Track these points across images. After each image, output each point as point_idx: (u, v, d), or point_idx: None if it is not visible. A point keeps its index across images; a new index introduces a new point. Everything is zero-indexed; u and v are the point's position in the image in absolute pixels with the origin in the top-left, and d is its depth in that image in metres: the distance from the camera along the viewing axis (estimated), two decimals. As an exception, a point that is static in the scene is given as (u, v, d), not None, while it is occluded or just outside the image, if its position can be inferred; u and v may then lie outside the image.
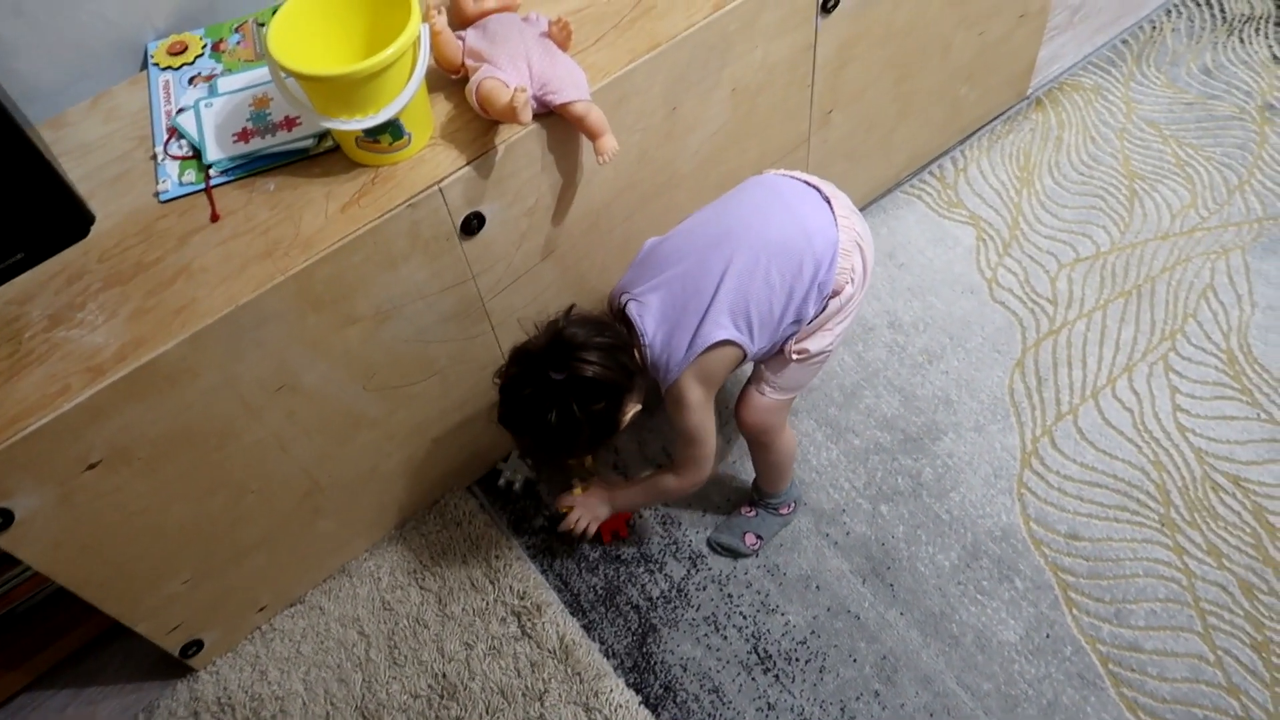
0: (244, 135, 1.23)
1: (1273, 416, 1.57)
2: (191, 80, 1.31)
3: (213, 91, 1.28)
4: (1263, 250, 1.76)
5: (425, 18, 1.18)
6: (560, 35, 1.21)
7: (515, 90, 1.11)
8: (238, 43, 1.35)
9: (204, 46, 1.35)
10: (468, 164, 1.19)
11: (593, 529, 1.49)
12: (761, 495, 1.53)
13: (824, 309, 1.30)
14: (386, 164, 1.20)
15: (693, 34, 1.29)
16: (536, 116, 1.22)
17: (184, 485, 1.22)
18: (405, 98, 1.11)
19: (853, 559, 1.51)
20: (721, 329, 1.24)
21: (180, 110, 1.27)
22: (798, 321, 1.29)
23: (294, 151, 1.21)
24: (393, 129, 1.15)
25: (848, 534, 1.53)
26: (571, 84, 1.19)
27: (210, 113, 1.25)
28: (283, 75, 1.11)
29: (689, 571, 1.52)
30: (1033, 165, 1.93)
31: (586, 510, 1.48)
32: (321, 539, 1.49)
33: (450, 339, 1.37)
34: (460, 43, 1.22)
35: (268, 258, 1.13)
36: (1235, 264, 1.75)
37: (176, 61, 1.33)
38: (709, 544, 1.55)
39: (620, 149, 1.25)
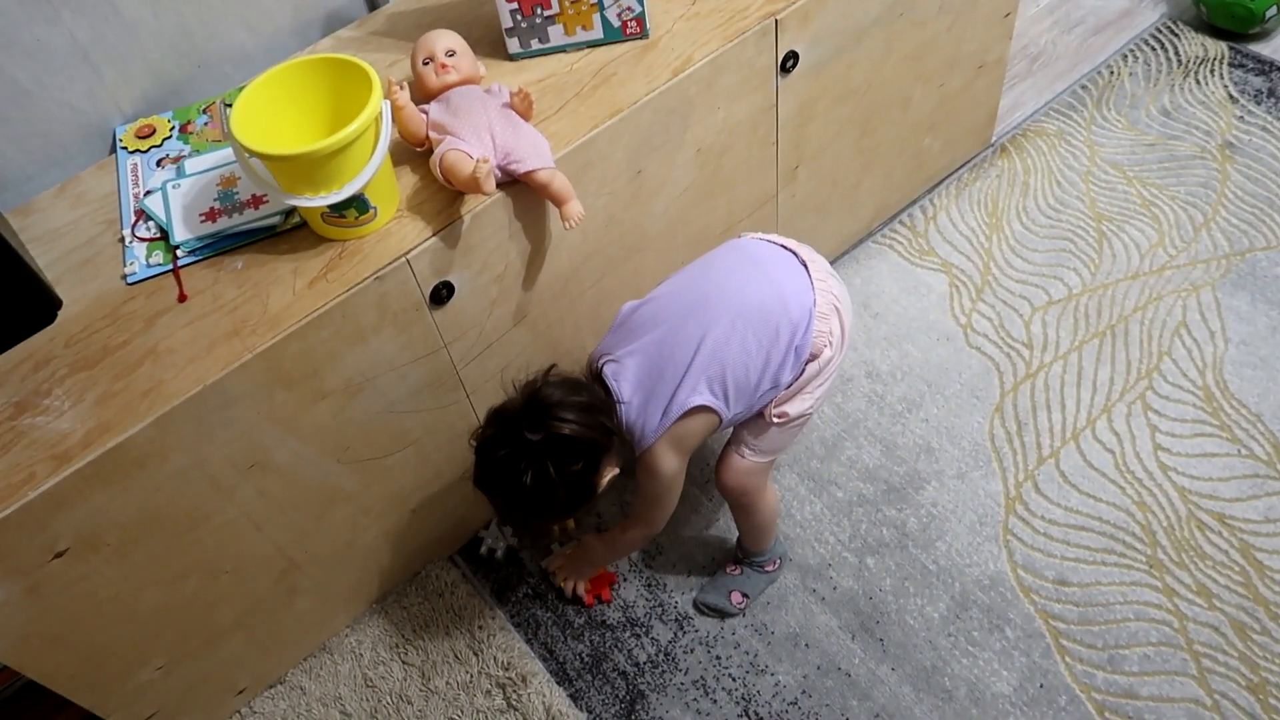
0: (211, 215, 1.23)
1: (1253, 452, 1.57)
2: (159, 162, 1.32)
3: (180, 173, 1.29)
4: (1232, 285, 1.78)
5: (387, 93, 1.19)
6: (522, 105, 1.22)
7: (478, 161, 1.13)
8: (205, 124, 1.37)
9: (172, 129, 1.36)
10: (434, 234, 1.20)
11: (580, 589, 1.49)
12: (746, 553, 1.52)
13: (802, 373, 1.30)
14: (353, 238, 1.20)
15: (653, 99, 1.31)
16: (501, 185, 1.23)
17: (155, 570, 1.20)
18: (368, 173, 1.12)
19: (841, 614, 1.49)
20: (697, 395, 1.24)
21: (148, 192, 1.28)
22: (775, 387, 1.29)
23: (261, 229, 1.22)
24: (358, 203, 1.16)
25: (834, 589, 1.51)
26: (535, 153, 1.20)
27: (178, 193, 1.26)
28: (246, 155, 1.12)
29: (676, 634, 1.50)
30: (1001, 211, 1.95)
31: (571, 569, 1.49)
32: (300, 617, 1.46)
33: (424, 409, 1.36)
34: (424, 116, 1.23)
35: (235, 336, 1.13)
36: (1206, 300, 1.76)
37: (144, 144, 1.34)
38: (695, 605, 1.53)
39: (586, 214, 1.26)
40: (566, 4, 1.33)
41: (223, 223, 1.22)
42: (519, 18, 1.34)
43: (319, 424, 1.25)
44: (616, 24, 1.36)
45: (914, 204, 1.98)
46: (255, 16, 1.42)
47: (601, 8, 1.34)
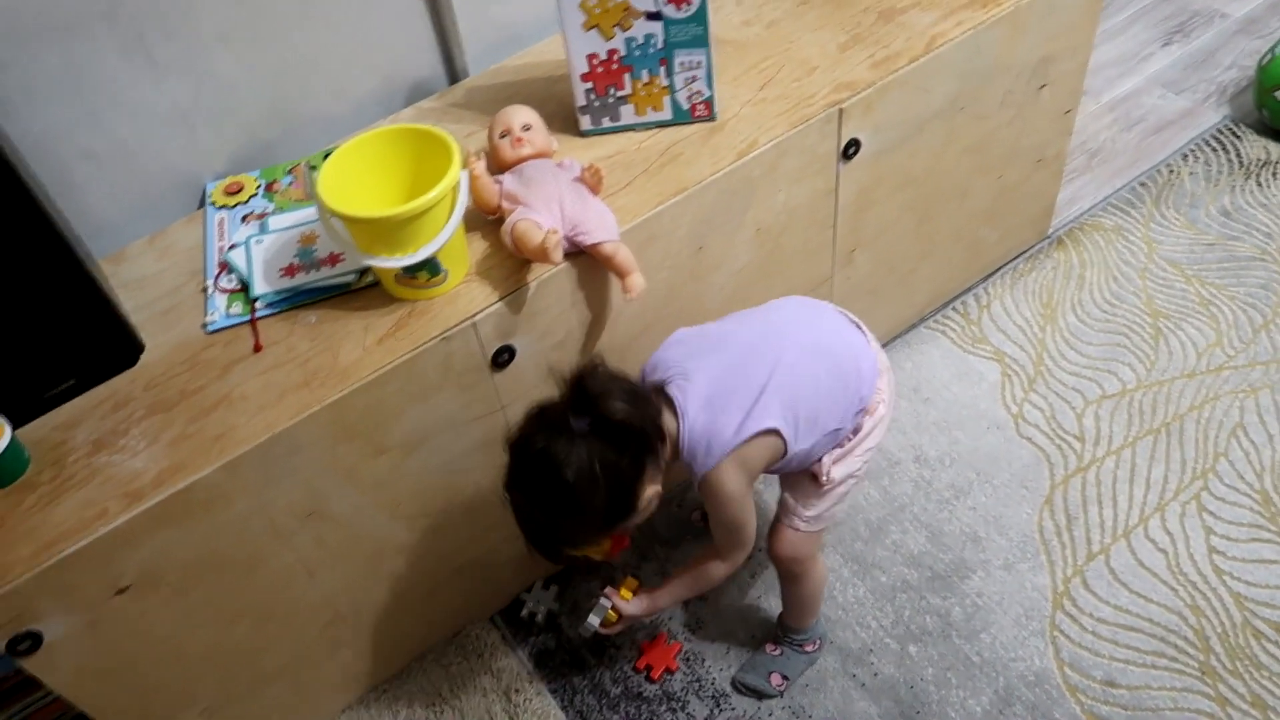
0: (290, 270, 1.29)
1: (1313, 560, 1.54)
2: (245, 218, 1.39)
3: (263, 229, 1.36)
4: (1292, 390, 1.76)
5: (465, 164, 1.25)
6: (592, 180, 1.27)
7: (548, 232, 1.17)
8: (289, 184, 1.44)
9: (258, 187, 1.43)
10: (500, 300, 1.24)
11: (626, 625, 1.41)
12: (786, 631, 1.51)
13: (859, 427, 1.30)
14: (423, 299, 1.25)
15: (717, 179, 1.36)
16: (567, 256, 1.27)
17: (209, 611, 1.23)
18: (442, 239, 1.17)
19: (881, 702, 1.46)
20: (771, 417, 1.20)
21: (232, 246, 1.34)
22: (837, 430, 1.28)
23: (336, 286, 1.27)
24: (430, 266, 1.21)
25: (875, 675, 1.49)
26: (601, 226, 1.25)
27: (260, 249, 1.32)
28: (329, 215, 1.18)
29: (712, 711, 1.49)
30: (1055, 303, 1.95)
31: (630, 615, 1.38)
32: (342, 668, 1.48)
33: (476, 468, 1.39)
34: (498, 186, 1.29)
35: (305, 387, 1.17)
36: (1265, 403, 1.74)
37: (232, 201, 1.41)
38: (733, 684, 1.52)
39: (647, 286, 1.29)
40: (639, 86, 1.39)
41: (300, 278, 1.28)
42: (592, 97, 1.40)
43: (377, 477, 1.28)
44: (686, 106, 1.42)
45: (968, 291, 1.99)
46: (344, 84, 1.50)
47: (673, 90, 1.40)
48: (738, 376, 1.22)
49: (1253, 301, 1.90)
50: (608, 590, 1.38)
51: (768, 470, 1.28)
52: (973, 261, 1.95)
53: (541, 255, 1.19)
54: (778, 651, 1.52)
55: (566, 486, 1.10)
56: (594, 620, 1.36)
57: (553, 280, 1.27)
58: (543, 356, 1.34)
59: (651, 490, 1.19)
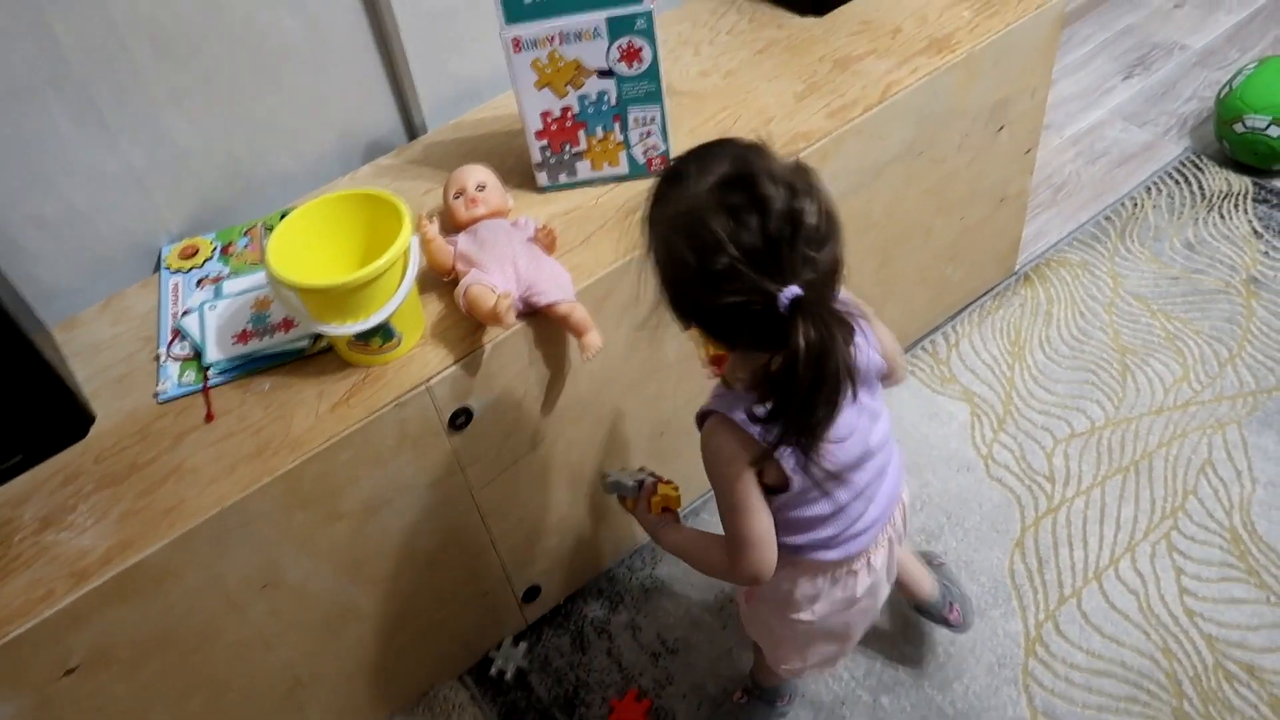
0: (244, 336, 1.28)
1: (1283, 599, 1.53)
2: (200, 282, 1.38)
3: (218, 294, 1.35)
4: (1259, 424, 1.76)
5: (418, 226, 1.24)
6: (545, 240, 1.27)
7: (499, 296, 1.16)
8: (246, 246, 1.43)
9: (214, 250, 1.42)
10: (455, 363, 1.23)
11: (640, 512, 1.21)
12: (757, 685, 1.49)
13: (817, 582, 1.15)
14: (378, 364, 1.24)
15: (675, 234, 1.35)
16: (523, 315, 1.26)
17: (164, 687, 1.20)
18: (393, 305, 1.16)
19: (854, 755, 1.45)
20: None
21: (186, 312, 1.33)
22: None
23: (290, 352, 1.26)
24: (383, 332, 1.20)
25: (848, 727, 1.48)
26: (555, 286, 1.24)
27: (214, 314, 1.31)
28: (278, 284, 1.17)
29: (684, 768, 1.47)
30: (1023, 340, 1.96)
31: (641, 515, 1.21)
32: (305, 735, 1.45)
33: (439, 529, 1.37)
34: (452, 248, 1.28)
35: (257, 458, 1.16)
36: (1232, 438, 1.74)
37: (187, 264, 1.40)
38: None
39: (607, 341, 1.29)
40: (594, 142, 1.39)
41: (254, 345, 1.27)
42: (548, 153, 1.40)
43: (334, 543, 1.26)
44: (642, 161, 1.42)
45: (936, 331, 1.99)
46: (300, 144, 1.50)
47: (628, 146, 1.40)
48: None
49: (1218, 335, 1.91)
50: (651, 480, 1.21)
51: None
52: (939, 300, 1.95)
53: (493, 319, 1.18)
54: (744, 699, 1.49)
55: (710, 241, 0.85)
56: (623, 481, 1.21)
57: (509, 341, 1.26)
58: (501, 416, 1.33)
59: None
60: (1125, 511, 1.67)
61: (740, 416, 0.96)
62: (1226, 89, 2.15)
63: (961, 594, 1.53)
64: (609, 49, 1.30)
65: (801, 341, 0.83)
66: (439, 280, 1.32)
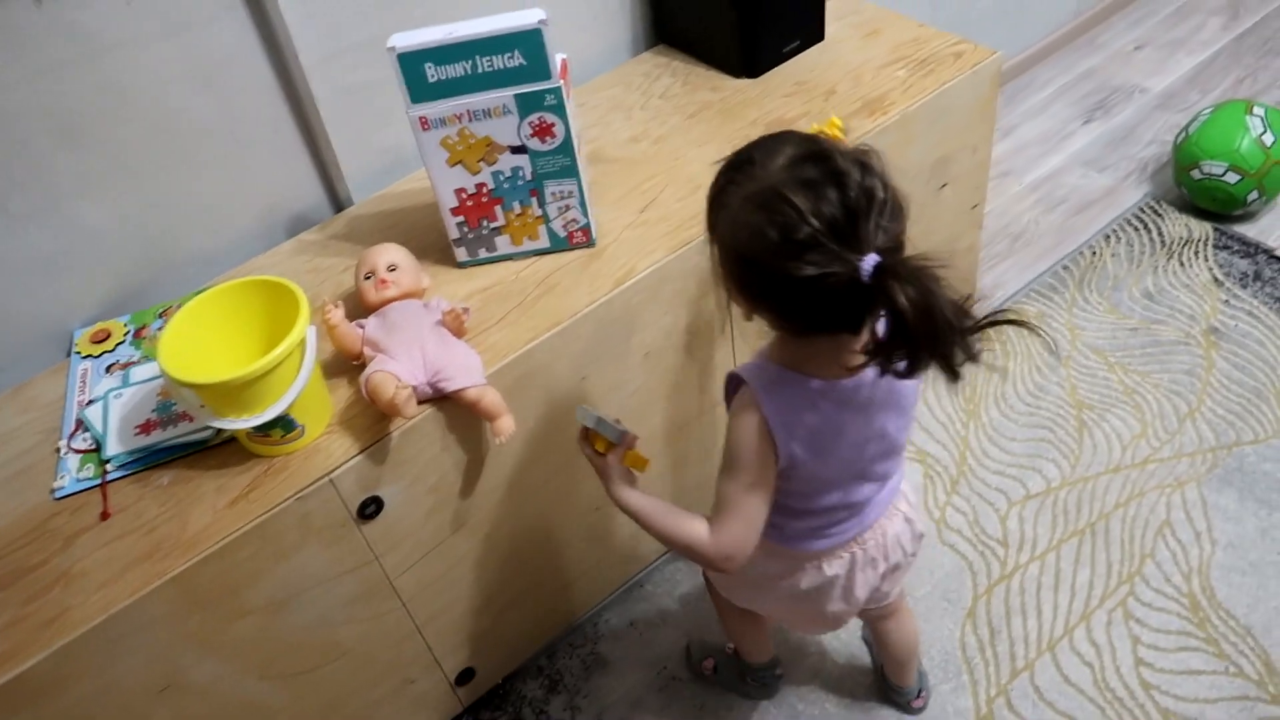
0: (147, 427, 1.24)
1: (1242, 670, 1.47)
2: (109, 368, 1.34)
3: (125, 381, 1.31)
4: (1218, 482, 1.71)
5: (322, 312, 1.21)
6: (453, 324, 1.23)
7: (396, 389, 1.13)
8: (159, 329, 1.39)
9: (127, 333, 1.39)
10: (361, 452, 1.19)
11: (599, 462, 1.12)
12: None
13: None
14: (281, 454, 1.20)
15: (595, 310, 1.32)
16: (434, 401, 1.23)
17: (57, 799, 1.15)
18: (290, 397, 1.13)
19: (796, 846, 1.39)
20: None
21: (91, 401, 1.29)
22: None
23: (192, 443, 1.22)
24: (283, 423, 1.16)
25: (790, 816, 1.42)
26: (464, 370, 1.20)
27: (119, 403, 1.28)
28: (169, 380, 1.13)
29: None
30: (978, 397, 1.91)
31: (601, 463, 1.12)
32: (224, 835, 1.40)
33: (357, 619, 1.33)
34: (360, 331, 1.25)
35: (149, 559, 1.11)
36: (1191, 498, 1.69)
37: (97, 349, 1.37)
38: (687, 646, 1.59)
39: (530, 421, 1.25)
40: (512, 217, 1.36)
41: (156, 436, 1.23)
42: (465, 229, 1.37)
43: (240, 641, 1.22)
44: (563, 234, 1.39)
45: (890, 388, 1.95)
46: (219, 223, 1.47)
47: (547, 220, 1.37)
48: None
49: (1177, 389, 1.86)
50: (629, 436, 1.11)
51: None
52: (891, 358, 1.91)
53: (392, 410, 1.14)
54: (727, 651, 1.56)
55: (790, 214, 0.85)
56: (606, 421, 1.10)
57: (419, 427, 1.23)
58: (416, 503, 1.29)
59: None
60: (1081, 577, 1.62)
61: (767, 404, 0.99)
62: (1183, 134, 2.11)
63: (928, 680, 1.51)
64: (520, 125, 1.27)
65: (904, 300, 0.84)
66: (349, 365, 1.29)
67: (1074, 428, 1.83)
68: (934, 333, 0.85)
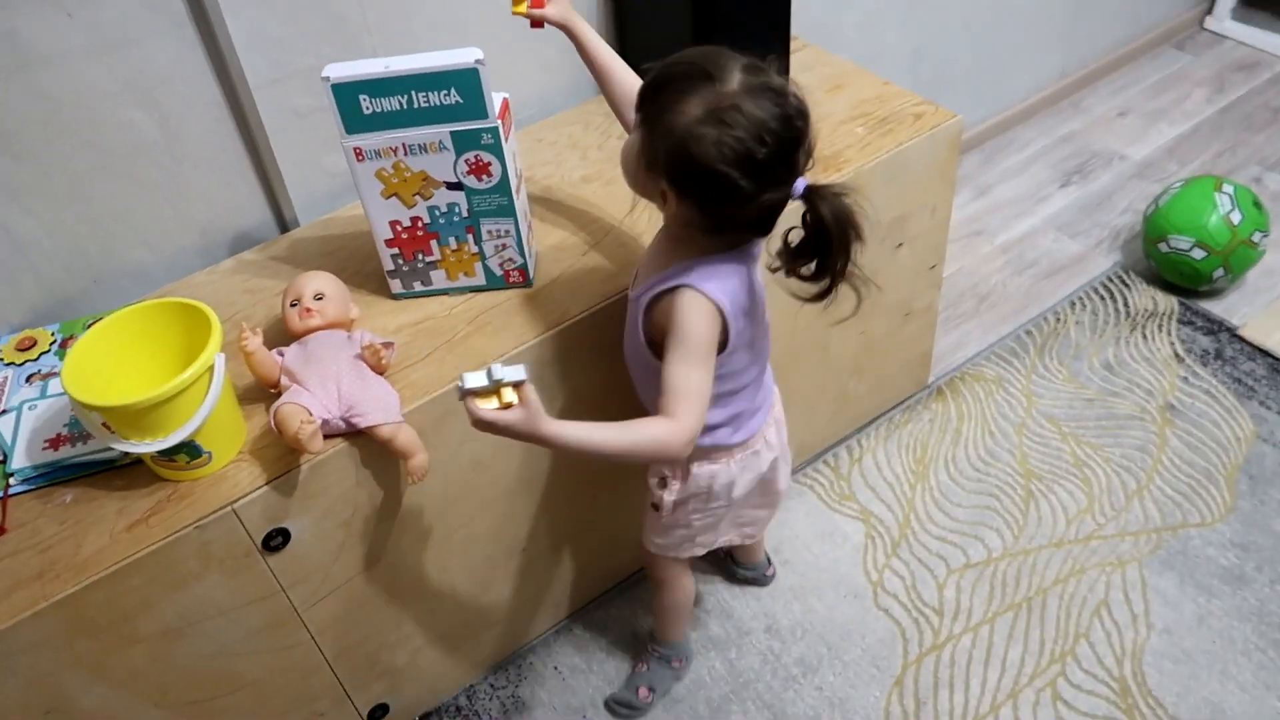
0: (56, 442, 1.22)
1: (1167, 761, 1.44)
2: (30, 378, 1.32)
3: (43, 393, 1.29)
4: (1160, 564, 1.68)
5: (239, 337, 1.19)
6: (372, 359, 1.21)
7: (302, 423, 1.11)
8: (86, 341, 1.38)
9: (53, 342, 1.37)
10: (268, 483, 1.17)
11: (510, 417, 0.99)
12: (653, 642, 1.59)
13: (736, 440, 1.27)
14: (186, 480, 1.18)
15: (524, 352, 1.30)
16: (348, 436, 1.21)
17: (-74, 820, 1.12)
18: (195, 423, 1.11)
19: None
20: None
21: (4, 412, 1.27)
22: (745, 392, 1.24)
23: (99, 462, 1.20)
24: (189, 449, 1.14)
25: None
26: (379, 407, 1.18)
27: (31, 415, 1.26)
28: (70, 399, 1.12)
29: None
30: (929, 458, 1.89)
31: (514, 416, 0.99)
32: None
33: (262, 650, 1.30)
34: (279, 359, 1.23)
35: (38, 580, 1.09)
36: (1131, 578, 1.67)
37: (21, 358, 1.35)
38: (606, 704, 1.60)
39: (451, 459, 1.23)
40: (448, 252, 1.34)
41: (64, 451, 1.21)
42: (400, 262, 1.35)
43: (133, 668, 1.19)
44: (499, 273, 1.37)
45: (840, 443, 1.93)
46: (157, 238, 1.46)
47: (483, 257, 1.35)
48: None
49: (1128, 464, 1.83)
50: (520, 375, 0.98)
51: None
52: (842, 413, 1.89)
53: (297, 445, 1.12)
54: (645, 667, 1.59)
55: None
56: (471, 381, 0.97)
57: (331, 461, 1.20)
58: (328, 536, 1.26)
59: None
60: (1013, 653, 1.59)
61: (714, 292, 1.08)
62: (1153, 206, 2.10)
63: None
64: (456, 162, 1.26)
65: (827, 213, 1.02)
66: (268, 392, 1.27)
67: (1021, 497, 1.81)
68: (846, 242, 1.03)
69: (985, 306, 2.18)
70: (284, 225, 1.56)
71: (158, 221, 1.44)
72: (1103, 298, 2.17)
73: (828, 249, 1.04)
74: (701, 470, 1.28)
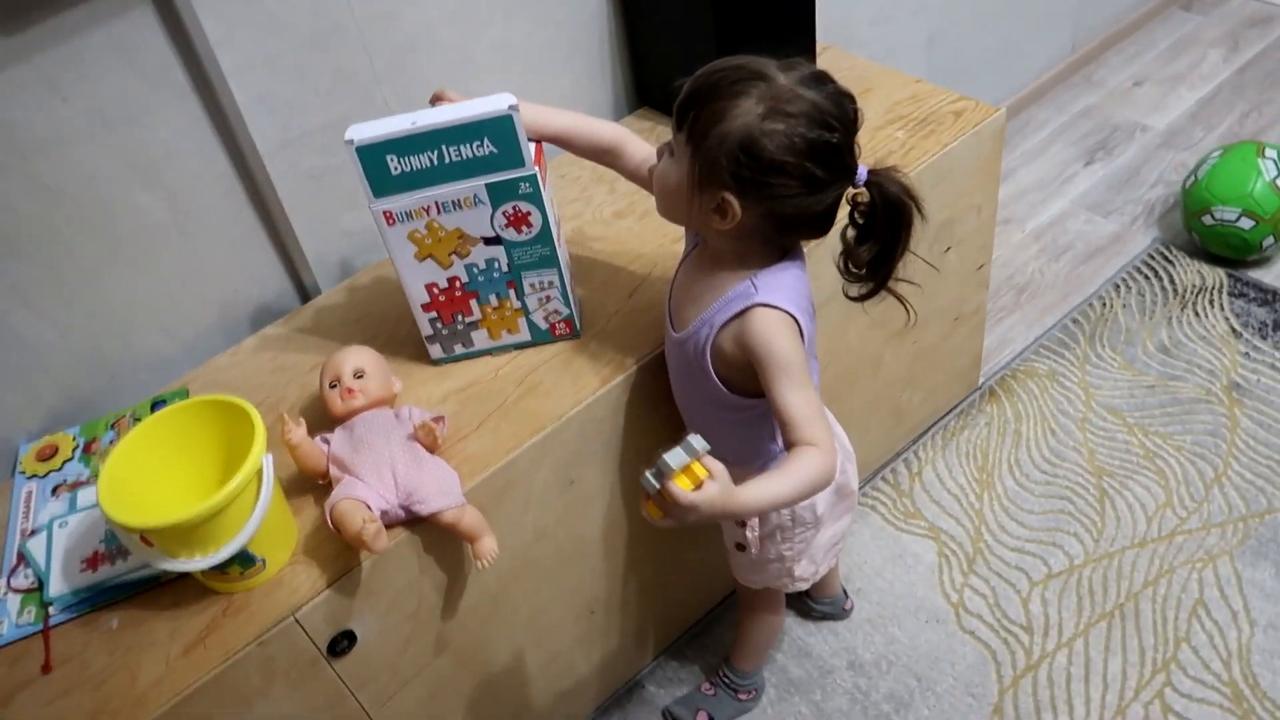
0: (93, 562, 1.13)
1: (1294, 769, 1.37)
2: (55, 489, 1.23)
3: (72, 506, 1.20)
4: (1252, 555, 1.60)
5: (282, 430, 1.10)
6: (426, 440, 1.13)
7: (364, 522, 1.02)
8: (112, 441, 1.28)
9: (75, 448, 1.28)
10: (329, 586, 1.08)
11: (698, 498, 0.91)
12: (728, 669, 1.53)
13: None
14: (240, 590, 1.09)
15: (580, 411, 1.22)
16: (408, 524, 1.12)
17: None
18: (247, 533, 1.02)
19: None
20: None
21: (34, 532, 1.18)
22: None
23: (143, 580, 1.11)
24: (241, 559, 1.05)
25: None
26: (439, 491, 1.10)
27: (63, 534, 1.17)
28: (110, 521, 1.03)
29: None
30: (991, 465, 1.81)
31: (714, 495, 0.91)
32: None
33: (333, 757, 1.21)
34: (324, 447, 1.14)
35: (94, 720, 1.00)
36: (1224, 573, 1.59)
37: (44, 468, 1.26)
38: (663, 712, 1.56)
39: (513, 533, 1.15)
40: (489, 310, 1.26)
41: (104, 572, 1.12)
42: (439, 325, 1.26)
43: (201, 797, 1.10)
44: (544, 326, 1.29)
45: (897, 458, 1.85)
46: (175, 322, 1.37)
47: (527, 312, 1.27)
48: None
49: (1201, 451, 1.76)
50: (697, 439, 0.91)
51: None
52: (898, 427, 1.81)
53: (360, 545, 1.03)
54: (712, 691, 1.55)
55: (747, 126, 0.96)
56: (675, 461, 0.89)
57: (393, 552, 1.12)
58: (394, 631, 1.18)
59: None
60: (1113, 666, 1.51)
61: (784, 303, 1.04)
62: (1191, 179, 2.03)
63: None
64: (493, 215, 1.17)
65: (896, 193, 1.02)
66: (316, 483, 1.18)
67: (1095, 497, 1.73)
68: (910, 220, 1.03)
69: (1026, 298, 2.10)
70: (305, 293, 1.47)
71: (174, 305, 1.35)
72: (1147, 277, 2.09)
73: (897, 228, 1.04)
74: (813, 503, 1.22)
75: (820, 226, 1.05)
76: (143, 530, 0.99)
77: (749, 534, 1.25)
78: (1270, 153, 1.94)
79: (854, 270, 1.09)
